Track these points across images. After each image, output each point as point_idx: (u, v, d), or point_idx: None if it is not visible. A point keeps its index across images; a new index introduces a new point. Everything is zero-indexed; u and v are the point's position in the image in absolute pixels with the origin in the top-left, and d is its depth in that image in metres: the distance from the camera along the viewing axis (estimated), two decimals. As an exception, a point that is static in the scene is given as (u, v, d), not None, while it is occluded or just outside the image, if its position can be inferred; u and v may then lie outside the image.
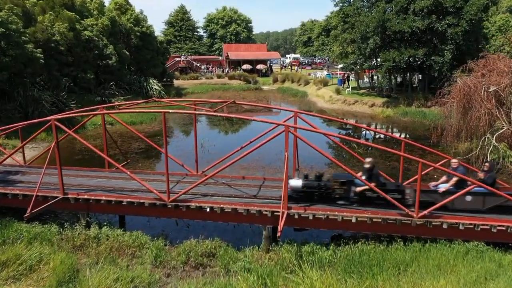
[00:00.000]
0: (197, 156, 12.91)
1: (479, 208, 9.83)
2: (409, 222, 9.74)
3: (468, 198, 9.82)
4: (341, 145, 12.72)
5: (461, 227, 9.55)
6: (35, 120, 12.19)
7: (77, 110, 13.04)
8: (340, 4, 41.97)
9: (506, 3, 53.05)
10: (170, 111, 10.01)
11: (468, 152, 19.51)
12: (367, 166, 10.24)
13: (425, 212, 9.54)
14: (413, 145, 12.80)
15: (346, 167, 10.04)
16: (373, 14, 36.44)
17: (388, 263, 9.07)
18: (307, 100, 47.57)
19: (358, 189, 10.25)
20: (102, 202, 11.12)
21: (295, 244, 10.17)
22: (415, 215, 9.57)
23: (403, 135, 29.97)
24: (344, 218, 10.03)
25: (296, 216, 10.15)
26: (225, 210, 10.52)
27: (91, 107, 13.51)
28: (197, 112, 10.40)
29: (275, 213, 10.24)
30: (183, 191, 10.62)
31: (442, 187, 10.17)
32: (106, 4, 45.67)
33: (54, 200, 11.12)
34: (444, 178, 10.51)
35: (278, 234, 9.01)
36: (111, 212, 11.67)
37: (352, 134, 30.39)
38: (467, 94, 18.77)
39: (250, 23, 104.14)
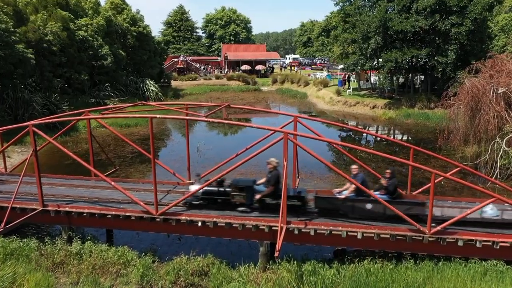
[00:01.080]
0: (189, 164, 12.00)
1: (380, 217, 9.43)
2: (420, 238, 8.85)
3: (369, 206, 9.45)
4: (344, 152, 11.82)
5: (478, 244, 8.65)
6: (11, 126, 11.29)
7: (58, 115, 12.12)
8: (341, 4, 41.08)
9: (509, 2, 52.16)
10: (158, 116, 9.12)
11: (476, 157, 18.64)
12: (270, 168, 9.91)
13: (438, 227, 8.64)
14: (420, 150, 11.87)
15: (347, 175, 9.18)
16: (374, 13, 35.57)
17: (398, 285, 8.19)
18: (307, 102, 46.68)
19: (257, 196, 9.87)
20: (84, 215, 10.22)
21: (295, 262, 9.28)
22: (427, 231, 8.68)
23: (405, 137, 29.13)
24: (349, 233, 9.15)
25: (296, 232, 9.26)
26: (219, 224, 9.62)
27: (78, 111, 12.59)
28: (187, 118, 9.51)
29: (273, 228, 9.35)
30: (172, 203, 9.72)
31: (344, 194, 9.86)
32: (102, 3, 44.94)
33: (32, 213, 10.22)
34: (347, 184, 10.01)
35: (276, 254, 8.11)
36: (95, 225, 10.76)
37: (354, 137, 29.52)
38: (475, 96, 17.90)
39: (249, 23, 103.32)
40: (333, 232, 9.19)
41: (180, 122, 33.13)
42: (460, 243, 8.72)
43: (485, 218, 9.26)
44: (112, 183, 9.86)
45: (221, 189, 10.06)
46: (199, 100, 48.53)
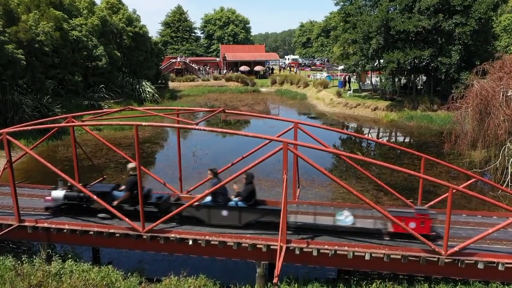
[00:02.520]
0: (181, 174, 11.08)
1: (236, 224, 9.06)
2: (435, 260, 7.95)
3: (224, 213, 9.08)
4: (351, 163, 10.90)
5: (500, 267, 7.76)
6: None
7: (37, 121, 11.18)
8: (341, 3, 40.17)
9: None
10: (144, 123, 8.23)
11: (485, 163, 17.77)
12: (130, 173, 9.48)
13: (456, 249, 7.75)
14: (432, 160, 10.97)
15: (350, 188, 8.28)
16: (376, 13, 34.70)
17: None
18: (306, 103, 45.79)
19: (115, 202, 9.30)
20: (65, 231, 9.30)
21: (296, 285, 8.38)
22: (443, 252, 7.79)
23: (407, 140, 28.25)
24: (355, 253, 8.25)
25: (297, 252, 8.36)
26: (212, 242, 8.72)
27: (60, 116, 11.66)
28: (176, 126, 8.60)
29: (272, 247, 8.46)
30: (161, 219, 8.81)
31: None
32: (98, 3, 44.02)
33: (7, 229, 9.30)
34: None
35: (275, 280, 7.21)
36: (76, 243, 9.85)
37: (355, 139, 28.56)
38: (484, 98, 17.03)
39: (248, 23, 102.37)
40: (337, 252, 8.29)
41: (185, 117, 32.17)
42: (480, 266, 7.82)
43: (339, 226, 8.79)
44: (94, 196, 8.94)
45: (82, 194, 9.56)
46: (196, 102, 47.61)
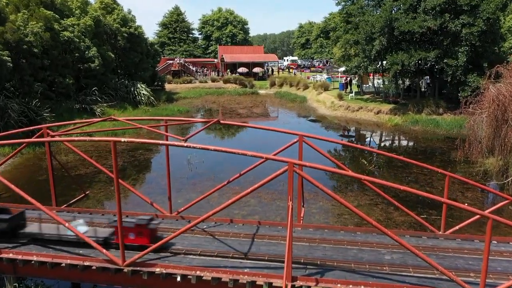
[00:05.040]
0: (170, 193, 9.75)
1: None
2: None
3: None
4: (369, 185, 9.55)
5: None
6: None
7: (4, 134, 9.79)
8: (343, 3, 38.96)
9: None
10: (123, 140, 6.92)
11: (503, 174, 16.50)
12: None
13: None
14: (458, 178, 9.66)
15: (360, 212, 6.97)
16: (379, 13, 33.46)
17: None
18: (306, 106, 44.53)
19: None
20: (32, 262, 7.98)
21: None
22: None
23: (414, 145, 26.98)
24: (374, 293, 6.92)
25: (305, 291, 7.06)
26: (204, 278, 7.42)
27: (34, 127, 10.30)
28: (161, 143, 7.29)
29: (274, 285, 7.16)
30: (145, 251, 7.51)
31: None
32: (92, 2, 42.69)
33: (-34, 261, 7.98)
34: None
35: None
36: (46, 276, 8.54)
37: (356, 142, 27.16)
38: (502, 104, 15.78)
39: (247, 24, 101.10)
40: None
41: (177, 126, 30.84)
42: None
43: (65, 235, 8.18)
44: (66, 224, 7.62)
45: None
46: (193, 105, 46.30)
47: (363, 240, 8.65)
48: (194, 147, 6.78)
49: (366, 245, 8.37)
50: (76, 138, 8.97)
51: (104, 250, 7.55)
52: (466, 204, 13.09)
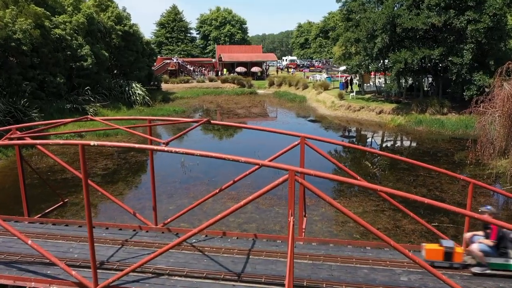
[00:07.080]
0: (155, 203, 8.62)
1: None
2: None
3: None
4: (385, 196, 8.49)
5: None
6: None
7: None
8: (343, 0, 37.92)
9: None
10: (92, 143, 5.83)
11: (517, 177, 15.44)
12: None
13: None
14: (482, 186, 8.58)
15: (368, 224, 5.88)
16: (381, 9, 32.38)
17: None
18: (306, 106, 43.46)
19: None
20: (-8, 285, 6.89)
21: None
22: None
23: (418, 146, 25.91)
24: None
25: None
26: (190, 305, 6.32)
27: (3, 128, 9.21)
28: (137, 146, 6.17)
29: (272, 314, 6.08)
30: (122, 272, 6.40)
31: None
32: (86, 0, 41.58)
33: None
34: None
35: None
36: (8, 301, 7.42)
37: (358, 143, 26.07)
38: (517, 103, 14.74)
39: (245, 24, 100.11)
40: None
41: (173, 126, 29.75)
42: None
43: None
44: (29, 242, 6.51)
45: None
46: (190, 105, 45.20)
47: (374, 256, 7.56)
48: (176, 152, 5.67)
49: (379, 263, 7.27)
50: (44, 141, 7.86)
51: (73, 272, 6.45)
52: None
